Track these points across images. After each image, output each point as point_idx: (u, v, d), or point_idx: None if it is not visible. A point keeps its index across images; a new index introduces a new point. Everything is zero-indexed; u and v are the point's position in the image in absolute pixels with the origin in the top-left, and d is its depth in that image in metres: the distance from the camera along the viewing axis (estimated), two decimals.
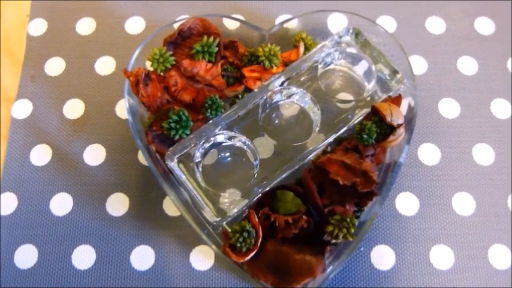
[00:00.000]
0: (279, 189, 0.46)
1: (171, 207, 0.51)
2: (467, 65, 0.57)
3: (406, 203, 0.51)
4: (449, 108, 0.55)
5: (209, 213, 0.45)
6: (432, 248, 0.49)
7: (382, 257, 0.49)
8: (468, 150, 0.53)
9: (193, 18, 0.51)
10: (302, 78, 0.51)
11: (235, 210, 0.45)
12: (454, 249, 0.49)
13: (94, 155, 0.54)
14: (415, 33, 0.59)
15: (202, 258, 0.49)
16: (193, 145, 0.47)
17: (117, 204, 0.51)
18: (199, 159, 0.48)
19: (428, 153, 0.53)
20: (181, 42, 0.51)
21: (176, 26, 0.52)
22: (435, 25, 0.59)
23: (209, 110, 0.48)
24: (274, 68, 0.51)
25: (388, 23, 0.59)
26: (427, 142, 0.54)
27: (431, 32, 0.59)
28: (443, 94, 0.56)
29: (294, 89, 0.50)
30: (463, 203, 0.51)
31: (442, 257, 0.49)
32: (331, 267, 0.44)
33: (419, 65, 0.57)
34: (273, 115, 0.51)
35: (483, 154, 0.53)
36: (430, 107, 0.55)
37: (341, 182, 0.43)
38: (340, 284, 0.48)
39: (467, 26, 0.59)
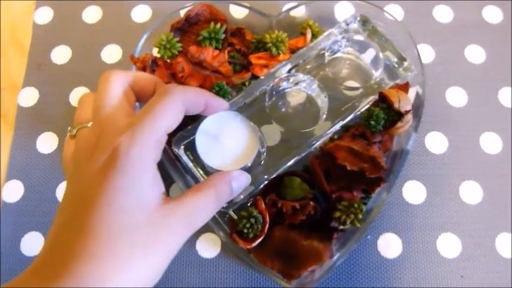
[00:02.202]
0: (286, 176, 0.46)
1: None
2: (475, 54, 0.57)
3: (413, 192, 0.51)
4: (456, 96, 0.55)
5: None
6: (439, 237, 0.49)
7: (389, 245, 0.49)
8: (476, 138, 0.53)
9: (200, 4, 0.50)
10: (309, 66, 0.50)
11: (242, 196, 0.45)
12: (461, 237, 0.49)
13: None
14: (422, 22, 0.58)
15: (208, 246, 0.49)
16: None
17: None
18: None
19: (436, 142, 0.53)
20: (188, 28, 0.51)
21: (183, 13, 0.52)
22: (443, 13, 0.59)
23: None
24: (281, 55, 0.51)
25: (395, 11, 0.59)
26: (435, 130, 0.53)
27: (438, 21, 0.59)
28: (450, 83, 0.55)
29: (301, 76, 0.49)
30: (471, 192, 0.51)
31: (449, 245, 0.49)
32: (338, 254, 0.44)
33: (426, 53, 0.57)
34: (280, 102, 0.51)
35: (491, 143, 0.53)
36: (437, 96, 0.55)
37: (349, 168, 0.43)
38: (347, 272, 0.48)
39: (475, 14, 0.59)
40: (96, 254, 0.30)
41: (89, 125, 0.37)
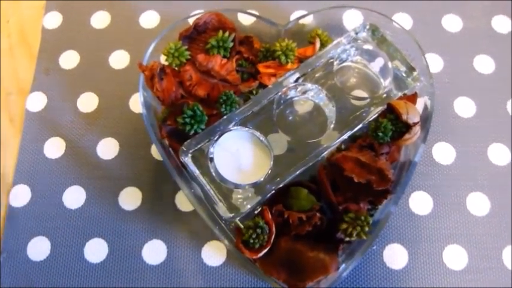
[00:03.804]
0: (293, 186, 0.45)
1: (183, 202, 0.51)
2: (484, 64, 0.56)
3: (420, 202, 0.51)
4: (464, 107, 0.55)
5: (222, 209, 0.45)
6: (445, 248, 0.49)
7: (395, 256, 0.49)
8: (483, 149, 0.53)
9: (209, 13, 0.50)
10: (317, 75, 0.50)
11: (248, 206, 0.45)
12: (467, 249, 0.49)
13: (107, 148, 0.54)
14: (431, 31, 0.58)
15: (214, 254, 0.49)
16: (207, 140, 0.47)
17: (130, 198, 0.51)
18: (213, 155, 0.48)
19: (443, 152, 0.53)
20: (197, 36, 0.51)
21: (191, 20, 0.52)
22: (452, 23, 0.59)
23: (224, 106, 0.47)
24: (289, 64, 0.50)
25: (403, 20, 0.59)
26: (442, 141, 0.53)
27: (447, 30, 0.58)
28: (459, 93, 0.55)
29: (309, 85, 0.49)
30: (478, 203, 0.51)
31: (455, 257, 0.49)
32: (343, 265, 0.44)
33: (435, 63, 0.56)
34: (287, 111, 0.51)
35: (498, 154, 0.52)
36: (445, 106, 0.55)
37: (356, 180, 0.42)
38: (352, 283, 0.48)
39: (484, 24, 0.59)
40: None
41: None
